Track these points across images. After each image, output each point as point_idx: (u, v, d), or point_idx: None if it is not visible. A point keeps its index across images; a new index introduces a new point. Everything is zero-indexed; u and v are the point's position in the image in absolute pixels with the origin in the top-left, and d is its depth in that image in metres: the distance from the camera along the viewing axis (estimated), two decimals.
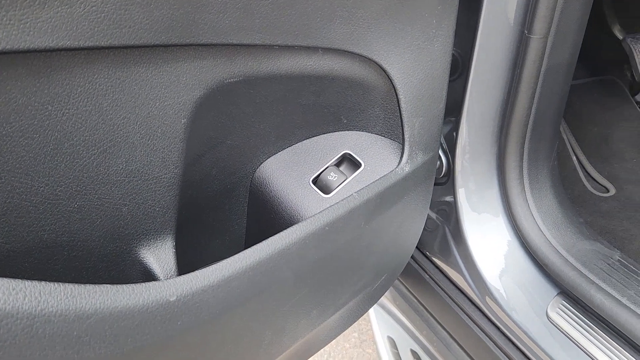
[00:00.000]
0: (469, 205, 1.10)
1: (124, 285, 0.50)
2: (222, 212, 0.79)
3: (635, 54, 1.35)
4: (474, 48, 0.97)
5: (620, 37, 1.42)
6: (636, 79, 1.38)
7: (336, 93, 0.75)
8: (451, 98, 1.02)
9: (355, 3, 0.65)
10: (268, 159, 0.79)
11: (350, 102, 0.77)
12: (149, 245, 0.65)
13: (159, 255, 0.65)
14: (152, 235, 0.65)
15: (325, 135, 0.80)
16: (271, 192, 0.77)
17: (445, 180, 1.13)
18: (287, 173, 0.78)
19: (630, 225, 1.24)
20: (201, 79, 0.62)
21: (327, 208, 0.67)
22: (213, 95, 0.65)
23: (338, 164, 0.79)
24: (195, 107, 0.63)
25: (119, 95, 0.56)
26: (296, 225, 0.63)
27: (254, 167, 0.78)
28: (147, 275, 0.64)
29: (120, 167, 0.59)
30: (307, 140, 0.80)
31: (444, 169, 1.12)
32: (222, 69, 0.64)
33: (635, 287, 0.97)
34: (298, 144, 0.80)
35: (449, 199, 1.15)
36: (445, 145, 1.11)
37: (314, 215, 0.66)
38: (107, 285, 0.48)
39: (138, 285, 0.51)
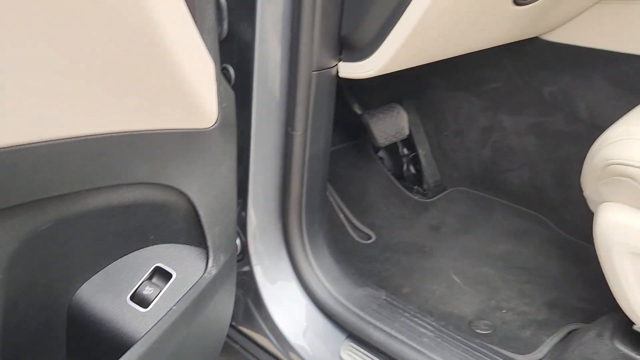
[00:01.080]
0: (265, 277, 1.27)
1: None
2: (42, 346, 0.80)
3: (371, 126, 1.71)
4: (250, 145, 1.16)
5: (359, 113, 1.78)
6: (374, 144, 1.75)
7: (142, 216, 0.84)
8: (238, 181, 1.18)
9: (152, 147, 0.76)
10: (82, 286, 0.83)
11: (156, 221, 0.86)
12: None
13: None
14: None
15: (135, 252, 0.88)
16: (90, 317, 0.82)
17: (241, 257, 1.28)
18: (103, 295, 0.83)
19: (389, 265, 1.55)
20: (13, 235, 0.66)
21: (151, 328, 0.75)
22: (26, 245, 0.68)
23: (151, 277, 0.87)
24: (9, 261, 0.66)
25: None
26: (124, 355, 0.70)
27: (69, 296, 0.82)
28: None
29: None
30: (119, 260, 0.87)
31: (239, 248, 1.27)
32: (34, 221, 0.68)
33: (399, 319, 1.24)
34: (110, 265, 0.86)
35: (246, 269, 1.31)
36: (238, 228, 1.26)
37: (139, 340, 0.73)
38: None
39: None
